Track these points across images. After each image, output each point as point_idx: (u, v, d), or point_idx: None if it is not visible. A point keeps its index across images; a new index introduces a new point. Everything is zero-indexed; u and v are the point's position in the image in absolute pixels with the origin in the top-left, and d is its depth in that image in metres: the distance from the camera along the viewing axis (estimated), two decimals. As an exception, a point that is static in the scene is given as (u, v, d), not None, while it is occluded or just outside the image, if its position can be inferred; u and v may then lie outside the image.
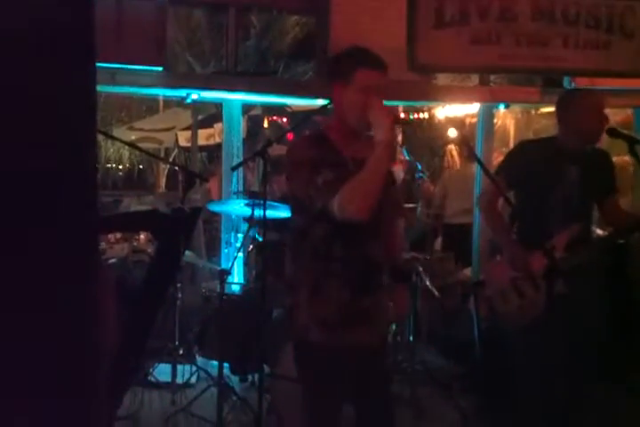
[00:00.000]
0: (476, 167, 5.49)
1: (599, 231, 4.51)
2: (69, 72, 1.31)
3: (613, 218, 3.40)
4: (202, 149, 9.21)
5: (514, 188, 3.24)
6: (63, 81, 1.31)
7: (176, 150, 10.74)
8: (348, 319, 2.49)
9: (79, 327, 1.43)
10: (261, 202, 3.55)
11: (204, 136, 8.82)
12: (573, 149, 3.24)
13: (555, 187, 3.21)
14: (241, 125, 5.00)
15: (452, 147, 7.33)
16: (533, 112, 6.69)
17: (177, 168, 5.55)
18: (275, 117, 8.83)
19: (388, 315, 2.69)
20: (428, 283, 4.53)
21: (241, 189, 5.01)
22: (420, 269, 4.48)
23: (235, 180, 4.96)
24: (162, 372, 4.39)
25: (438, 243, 6.59)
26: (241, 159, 4.90)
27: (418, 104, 6.33)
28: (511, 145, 7.77)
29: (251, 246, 4.59)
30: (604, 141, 5.03)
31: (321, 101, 4.88)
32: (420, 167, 4.93)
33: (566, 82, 4.66)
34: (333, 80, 2.49)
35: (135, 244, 4.49)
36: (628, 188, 5.41)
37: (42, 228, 1.37)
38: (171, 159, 10.70)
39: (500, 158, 3.83)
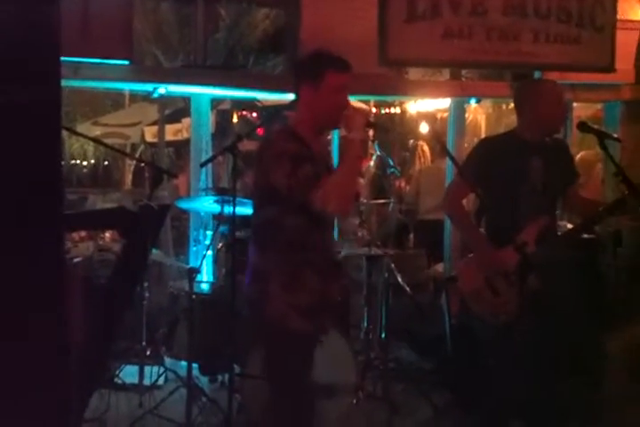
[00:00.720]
0: (448, 163, 5.47)
1: (569, 225, 4.52)
2: (32, 68, 1.26)
3: (576, 206, 3.40)
4: (169, 144, 9.09)
5: (479, 185, 3.19)
6: (26, 77, 1.26)
7: (142, 146, 10.57)
8: (322, 306, 2.65)
9: (47, 327, 1.39)
10: (231, 198, 3.48)
11: (171, 131, 8.68)
12: (534, 141, 3.23)
13: (520, 180, 3.19)
14: (210, 120, 4.91)
15: (422, 142, 7.32)
16: (504, 106, 6.71)
17: (144, 164, 5.41)
18: (244, 112, 8.73)
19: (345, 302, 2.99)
20: (399, 279, 4.50)
21: (210, 185, 4.92)
22: (392, 265, 4.45)
23: (204, 176, 4.86)
24: (129, 373, 4.30)
25: (410, 239, 6.57)
26: (210, 155, 4.82)
27: (389, 98, 6.30)
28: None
29: (220, 244, 4.51)
30: (575, 136, 5.07)
31: (291, 96, 4.81)
32: (392, 163, 4.89)
33: (537, 76, 4.66)
34: (302, 81, 2.69)
35: (101, 242, 4.38)
36: (597, 181, 5.44)
37: (7, 227, 1.32)
38: (137, 155, 10.54)
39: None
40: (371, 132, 6.76)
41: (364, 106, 6.27)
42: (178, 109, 8.80)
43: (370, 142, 5.89)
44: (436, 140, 2.98)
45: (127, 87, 4.56)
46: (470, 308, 3.25)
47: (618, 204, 3.14)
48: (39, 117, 1.31)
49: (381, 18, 3.76)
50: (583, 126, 3.19)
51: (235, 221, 3.40)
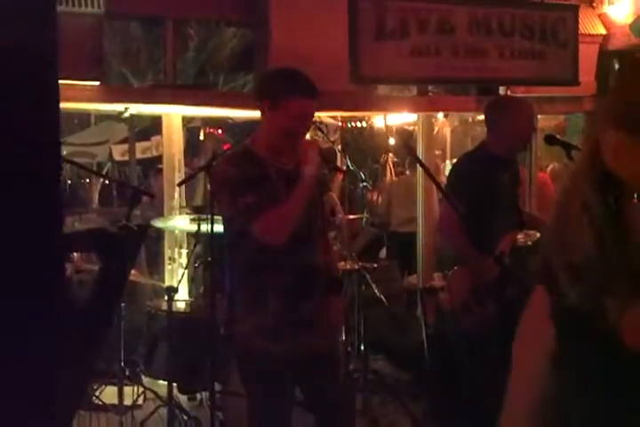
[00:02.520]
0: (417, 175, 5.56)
1: (537, 234, 4.62)
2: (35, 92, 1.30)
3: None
4: (137, 162, 9.06)
5: (463, 202, 3.26)
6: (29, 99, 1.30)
7: (109, 164, 10.50)
8: (289, 327, 2.55)
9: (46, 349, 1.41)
10: (207, 217, 3.50)
11: (139, 149, 8.66)
12: (503, 157, 3.32)
13: (498, 197, 3.28)
14: (182, 138, 4.93)
15: (391, 155, 7.43)
16: (470, 120, 6.85)
17: (120, 184, 5.38)
18: (211, 129, 8.74)
19: (332, 322, 2.74)
20: (376, 291, 4.55)
21: (183, 203, 4.94)
22: (368, 277, 4.50)
23: (176, 194, 4.87)
24: (107, 394, 4.28)
25: (383, 251, 6.64)
26: (182, 173, 4.84)
27: (360, 114, 6.38)
28: (448, 152, 7.93)
29: (197, 263, 4.52)
30: (540, 148, 5.20)
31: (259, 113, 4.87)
32: (363, 176, 4.96)
33: (502, 90, 4.78)
34: (262, 99, 2.53)
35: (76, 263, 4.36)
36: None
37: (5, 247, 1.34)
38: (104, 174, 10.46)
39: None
40: (339, 147, 6.85)
41: (332, 121, 6.36)
42: (146, 127, 8.79)
43: (341, 156, 5.97)
44: (409, 152, 3.02)
45: (98, 108, 4.55)
46: (459, 320, 3.28)
47: None
48: (38, 134, 1.35)
49: (352, 37, 3.84)
50: (550, 139, 3.30)
51: (213, 239, 3.42)
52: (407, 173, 6.74)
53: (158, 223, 4.51)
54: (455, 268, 3.33)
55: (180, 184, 3.64)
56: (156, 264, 5.81)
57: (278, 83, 2.56)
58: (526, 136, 3.39)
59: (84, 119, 10.93)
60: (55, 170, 1.36)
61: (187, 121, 7.03)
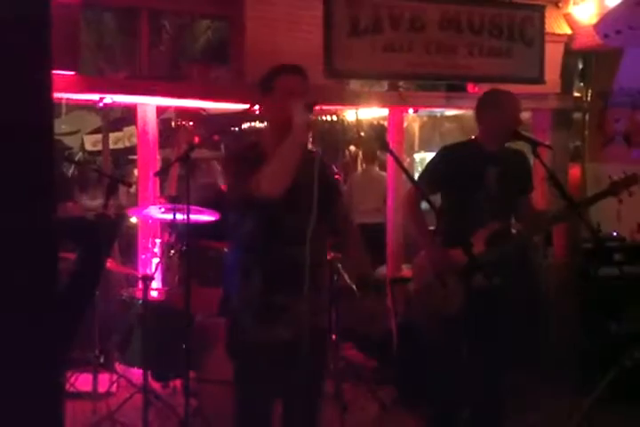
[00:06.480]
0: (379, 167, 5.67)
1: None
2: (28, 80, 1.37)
3: (523, 215, 3.60)
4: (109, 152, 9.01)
5: (437, 192, 3.40)
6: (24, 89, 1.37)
7: (80, 154, 10.43)
8: (263, 313, 2.66)
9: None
10: (181, 207, 3.57)
11: (112, 140, 8.62)
12: (491, 149, 3.40)
13: (475, 189, 3.36)
14: (156, 129, 4.97)
15: (354, 149, 7.55)
16: (439, 115, 6.98)
17: (101, 173, 5.34)
18: (182, 121, 8.73)
19: (317, 315, 2.73)
20: (348, 281, 4.64)
21: (157, 193, 4.98)
22: (340, 266, 4.60)
23: (150, 184, 4.90)
24: (81, 381, 4.33)
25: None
26: (157, 164, 4.89)
27: (333, 108, 6.46)
28: (416, 147, 8.06)
29: (172, 251, 4.58)
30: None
31: (234, 106, 4.94)
32: (335, 169, 5.04)
33: (469, 86, 4.90)
34: (261, 99, 2.73)
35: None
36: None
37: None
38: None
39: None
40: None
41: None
42: (118, 118, 8.76)
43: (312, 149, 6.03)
44: (384, 147, 3.09)
45: (73, 97, 4.56)
46: (423, 301, 3.42)
47: (565, 214, 3.39)
48: (31, 130, 1.41)
49: (326, 33, 3.92)
50: (516, 134, 3.40)
51: (188, 228, 3.49)
52: (376, 167, 6.86)
53: (135, 213, 4.55)
54: (422, 253, 3.46)
55: (157, 174, 3.70)
56: (128, 253, 5.84)
57: (268, 73, 2.74)
58: (511, 128, 3.45)
59: (54, 109, 10.79)
60: (49, 161, 1.43)
61: (159, 112, 7.04)
